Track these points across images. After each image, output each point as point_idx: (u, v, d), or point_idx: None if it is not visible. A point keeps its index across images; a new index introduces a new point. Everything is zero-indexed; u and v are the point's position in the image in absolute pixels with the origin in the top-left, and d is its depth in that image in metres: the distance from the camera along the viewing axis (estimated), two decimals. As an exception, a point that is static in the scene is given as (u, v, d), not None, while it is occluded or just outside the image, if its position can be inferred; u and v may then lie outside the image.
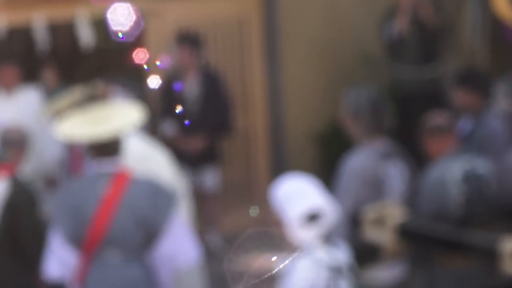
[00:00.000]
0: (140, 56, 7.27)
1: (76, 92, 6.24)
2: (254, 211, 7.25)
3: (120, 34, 6.10)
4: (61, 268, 4.43)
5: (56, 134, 5.17)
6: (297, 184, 4.02)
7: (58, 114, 5.59)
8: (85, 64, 8.67)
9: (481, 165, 5.32)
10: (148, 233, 4.39)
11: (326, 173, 5.35)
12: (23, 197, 5.48)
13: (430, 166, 5.36)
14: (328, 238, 3.86)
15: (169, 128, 7.20)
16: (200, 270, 5.20)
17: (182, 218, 5.26)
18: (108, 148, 4.46)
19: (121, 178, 4.48)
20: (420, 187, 5.40)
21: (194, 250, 4.79)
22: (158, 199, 4.54)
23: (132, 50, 6.95)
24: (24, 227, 5.39)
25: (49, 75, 7.64)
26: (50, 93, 7.07)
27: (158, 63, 7.54)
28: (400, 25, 7.53)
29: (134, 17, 5.65)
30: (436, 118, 5.65)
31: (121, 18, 5.91)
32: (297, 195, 3.92)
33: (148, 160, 5.63)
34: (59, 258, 4.44)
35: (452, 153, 5.36)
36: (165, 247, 4.49)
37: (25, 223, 5.41)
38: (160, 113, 7.33)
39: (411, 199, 5.46)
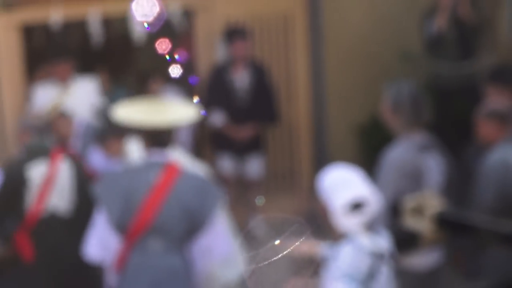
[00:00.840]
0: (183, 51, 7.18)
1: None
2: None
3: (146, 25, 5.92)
4: (102, 251, 4.36)
5: (115, 117, 5.05)
6: (343, 174, 3.98)
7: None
8: (137, 59, 8.63)
9: None
10: (192, 225, 4.33)
11: (367, 165, 5.16)
12: (84, 176, 5.48)
13: (490, 150, 5.18)
14: (371, 226, 3.84)
15: (217, 118, 7.16)
16: (233, 264, 5.10)
17: (223, 215, 5.10)
18: (161, 139, 4.41)
19: (172, 169, 4.39)
20: (482, 170, 5.21)
21: (230, 246, 4.76)
22: (206, 193, 4.45)
23: (181, 44, 7.14)
24: (91, 202, 5.17)
25: (103, 76, 7.59)
26: (104, 91, 7.16)
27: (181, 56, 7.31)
28: (440, 23, 7.41)
29: (156, 9, 5.48)
30: (495, 104, 5.47)
31: (147, 10, 5.68)
32: (343, 185, 3.88)
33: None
34: (101, 241, 4.38)
35: (506, 138, 5.19)
36: (205, 241, 4.44)
37: (91, 199, 5.21)
38: (208, 105, 7.21)
39: (460, 187, 5.34)
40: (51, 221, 5.33)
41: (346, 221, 3.80)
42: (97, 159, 6.07)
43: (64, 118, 6.13)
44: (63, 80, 6.68)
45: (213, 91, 7.21)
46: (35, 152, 5.47)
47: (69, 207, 5.29)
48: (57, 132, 5.82)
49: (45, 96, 6.69)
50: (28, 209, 5.38)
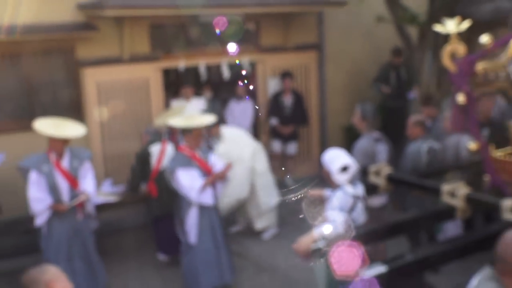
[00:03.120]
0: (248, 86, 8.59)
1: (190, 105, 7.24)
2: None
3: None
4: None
5: (166, 122, 6.20)
6: (336, 152, 4.42)
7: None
8: (224, 88, 9.32)
9: (436, 144, 5.85)
10: None
11: (348, 148, 5.26)
12: (178, 150, 5.93)
13: (410, 143, 5.95)
14: (352, 181, 4.27)
15: (274, 121, 8.58)
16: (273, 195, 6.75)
17: (264, 163, 6.82)
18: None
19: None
20: (405, 154, 5.95)
21: (272, 189, 6.66)
22: None
23: (248, 81, 8.56)
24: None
25: (208, 94, 8.72)
26: (208, 103, 8.26)
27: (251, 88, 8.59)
28: (385, 88, 8.99)
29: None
30: (418, 117, 6.24)
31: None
32: (336, 157, 4.33)
33: (241, 137, 7.06)
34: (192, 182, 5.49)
35: (423, 136, 5.92)
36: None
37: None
38: (270, 113, 8.53)
39: (396, 162, 5.99)
40: (163, 173, 5.93)
41: (339, 178, 4.26)
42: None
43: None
44: (187, 97, 7.93)
45: (273, 106, 8.53)
46: (155, 141, 6.45)
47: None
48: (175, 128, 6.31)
49: (177, 105, 7.69)
50: (152, 168, 6.31)
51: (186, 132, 5.58)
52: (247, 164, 6.76)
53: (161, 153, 6.23)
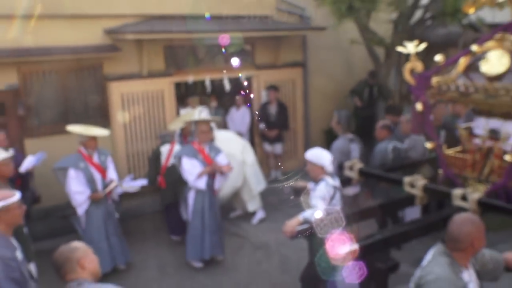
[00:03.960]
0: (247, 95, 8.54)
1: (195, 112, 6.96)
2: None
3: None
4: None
5: (177, 127, 6.41)
6: (319, 150, 4.45)
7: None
8: (226, 98, 9.27)
9: (399, 144, 5.89)
10: None
11: (327, 147, 5.16)
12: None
13: (378, 143, 5.95)
14: (331, 174, 4.32)
15: (261, 126, 8.47)
16: (261, 183, 6.62)
17: (252, 156, 6.75)
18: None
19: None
20: (374, 152, 5.94)
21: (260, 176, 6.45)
22: None
23: (245, 92, 8.52)
24: None
25: (213, 103, 8.65)
26: (213, 111, 8.31)
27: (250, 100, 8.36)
28: (357, 101, 8.98)
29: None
30: (384, 122, 6.21)
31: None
32: (323, 154, 4.35)
33: (231, 138, 7.01)
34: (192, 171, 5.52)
35: (388, 138, 5.96)
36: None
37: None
38: (259, 120, 8.26)
39: (366, 158, 6.05)
40: (171, 169, 6.09)
41: (330, 169, 4.26)
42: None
43: (189, 125, 6.36)
44: (193, 106, 7.86)
45: (261, 113, 8.44)
46: (164, 142, 6.49)
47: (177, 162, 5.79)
48: (186, 131, 6.48)
49: (185, 113, 7.53)
50: (162, 164, 6.33)
51: (195, 128, 5.65)
52: (238, 158, 6.74)
53: (169, 153, 6.26)
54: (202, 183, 5.51)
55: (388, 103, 8.38)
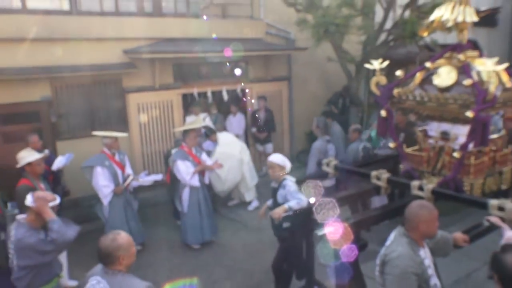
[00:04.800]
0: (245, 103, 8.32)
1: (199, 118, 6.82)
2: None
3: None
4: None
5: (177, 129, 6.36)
6: (280, 155, 4.33)
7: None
8: (225, 105, 8.42)
9: (368, 144, 6.03)
10: None
11: (309, 147, 5.78)
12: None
13: (350, 144, 6.07)
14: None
15: (253, 129, 8.35)
16: (254, 177, 6.47)
17: (248, 155, 6.64)
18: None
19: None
20: (347, 151, 6.09)
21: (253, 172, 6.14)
22: None
23: (241, 102, 8.30)
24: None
25: (214, 111, 8.20)
26: (213, 118, 7.88)
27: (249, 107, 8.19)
28: (334, 109, 8.83)
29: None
30: (356, 126, 6.09)
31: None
32: (283, 159, 4.22)
33: (231, 140, 6.92)
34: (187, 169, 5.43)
35: (359, 139, 6.10)
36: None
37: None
38: (252, 124, 8.34)
39: (340, 157, 6.23)
40: None
41: (288, 170, 4.22)
42: (206, 144, 6.85)
43: (194, 130, 5.95)
44: (196, 114, 7.46)
45: (252, 119, 8.34)
46: (177, 145, 6.19)
47: None
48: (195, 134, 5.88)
49: (189, 121, 7.28)
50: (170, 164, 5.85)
51: (185, 134, 5.62)
52: (237, 157, 6.67)
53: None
54: (196, 181, 5.52)
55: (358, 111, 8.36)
